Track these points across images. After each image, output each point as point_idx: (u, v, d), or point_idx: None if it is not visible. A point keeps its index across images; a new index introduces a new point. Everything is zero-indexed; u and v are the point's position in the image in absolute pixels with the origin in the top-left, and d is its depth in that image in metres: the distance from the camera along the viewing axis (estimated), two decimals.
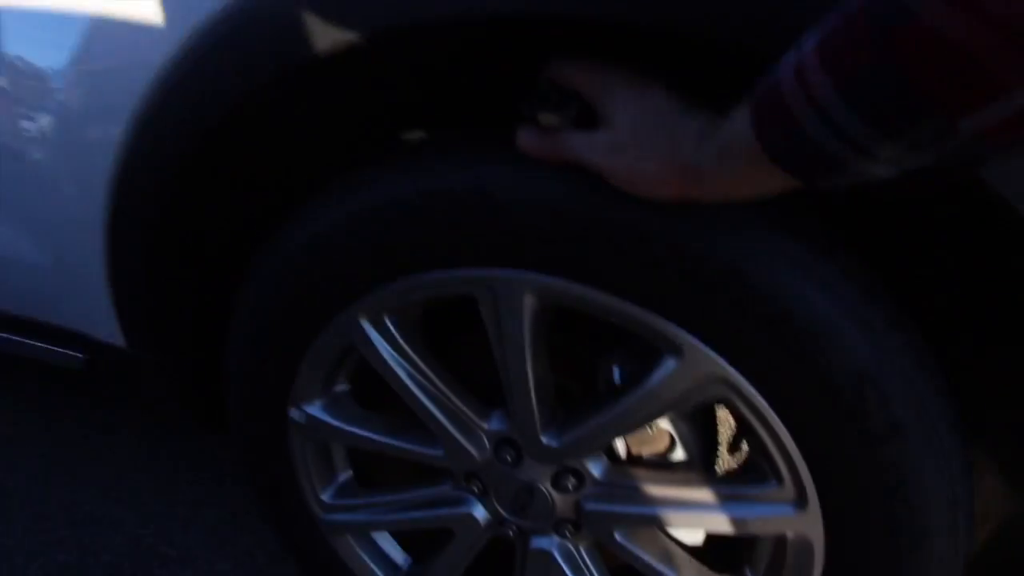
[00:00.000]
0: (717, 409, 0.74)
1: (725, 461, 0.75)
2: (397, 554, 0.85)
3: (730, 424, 0.71)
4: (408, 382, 0.65)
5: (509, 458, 0.68)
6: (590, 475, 0.66)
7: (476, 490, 0.72)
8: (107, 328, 0.76)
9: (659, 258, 0.46)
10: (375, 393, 0.74)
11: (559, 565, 0.73)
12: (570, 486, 0.67)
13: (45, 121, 0.66)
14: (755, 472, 0.58)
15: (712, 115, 0.40)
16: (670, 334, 0.50)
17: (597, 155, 0.45)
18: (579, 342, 0.72)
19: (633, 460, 0.70)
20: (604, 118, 0.44)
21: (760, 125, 0.35)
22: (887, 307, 0.48)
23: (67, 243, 0.74)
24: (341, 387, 0.74)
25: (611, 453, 0.69)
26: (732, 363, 0.50)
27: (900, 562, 0.53)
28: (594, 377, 0.68)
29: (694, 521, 0.62)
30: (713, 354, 0.50)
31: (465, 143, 0.54)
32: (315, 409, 0.72)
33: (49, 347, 0.84)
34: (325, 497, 0.80)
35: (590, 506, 0.67)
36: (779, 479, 0.55)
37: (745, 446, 0.65)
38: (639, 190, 0.44)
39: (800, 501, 0.55)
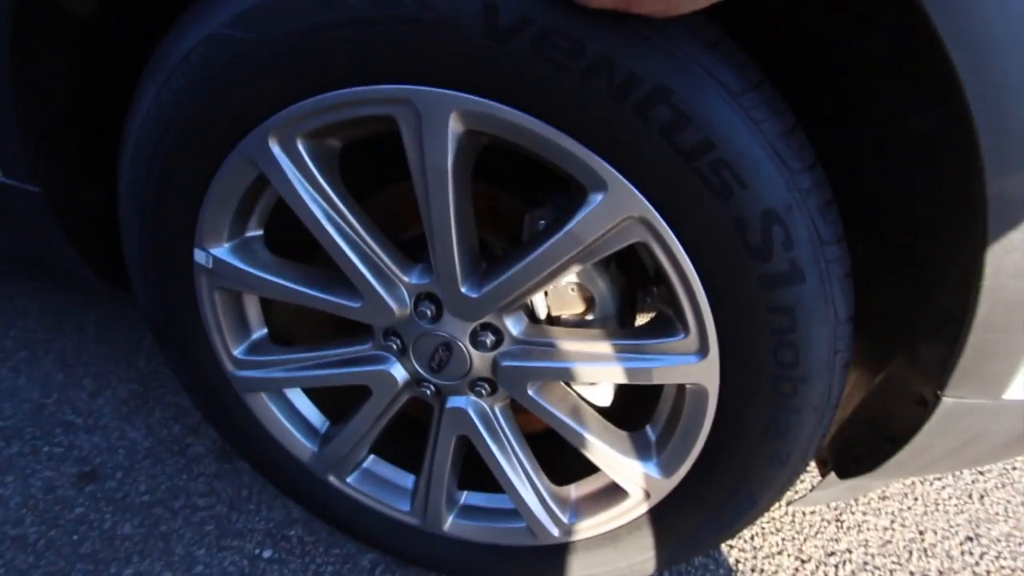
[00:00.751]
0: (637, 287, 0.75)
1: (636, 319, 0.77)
2: (315, 416, 0.85)
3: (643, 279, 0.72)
4: (325, 222, 0.62)
5: (429, 313, 0.67)
6: (509, 333, 0.66)
7: (394, 347, 0.72)
8: None
9: (590, 70, 0.44)
10: (294, 248, 0.71)
11: (475, 424, 0.74)
12: (488, 343, 0.67)
13: None
14: (663, 326, 0.60)
15: None
16: (595, 167, 0.49)
17: None
18: (506, 200, 0.71)
19: (552, 321, 0.71)
20: None
21: None
22: (805, 147, 0.48)
23: None
24: (253, 231, 0.70)
25: (532, 316, 0.69)
26: (652, 201, 0.49)
27: (779, 406, 0.57)
28: (520, 234, 0.67)
29: (606, 374, 0.64)
30: (635, 190, 0.49)
31: None
32: (222, 252, 0.68)
33: None
34: (237, 352, 0.77)
35: (507, 363, 0.67)
36: (686, 329, 0.57)
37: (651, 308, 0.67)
38: None
39: (702, 350, 0.57)
